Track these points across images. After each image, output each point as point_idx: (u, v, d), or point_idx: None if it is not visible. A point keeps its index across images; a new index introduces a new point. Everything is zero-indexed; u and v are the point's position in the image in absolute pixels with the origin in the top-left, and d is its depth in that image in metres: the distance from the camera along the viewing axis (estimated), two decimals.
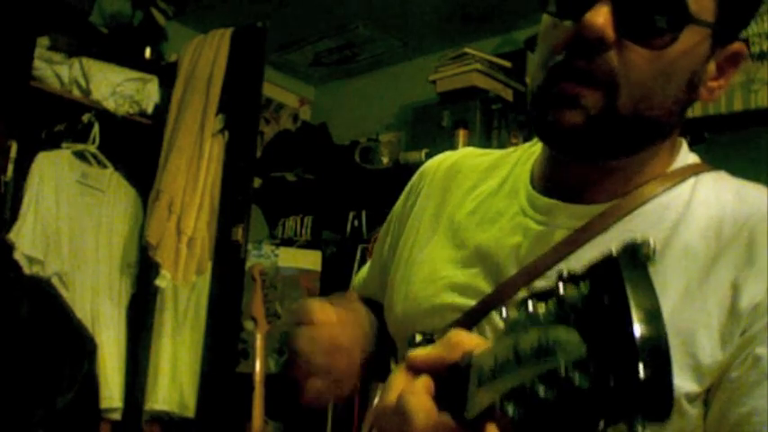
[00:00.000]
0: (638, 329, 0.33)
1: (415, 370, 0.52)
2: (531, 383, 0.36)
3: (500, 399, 0.38)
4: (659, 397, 0.32)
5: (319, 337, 0.75)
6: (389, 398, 0.52)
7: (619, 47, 0.63)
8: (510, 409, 0.37)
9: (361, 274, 1.06)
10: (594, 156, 0.69)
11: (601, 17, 0.62)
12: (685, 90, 0.68)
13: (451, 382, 0.48)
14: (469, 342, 0.49)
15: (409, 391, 0.50)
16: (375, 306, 0.94)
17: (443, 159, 0.94)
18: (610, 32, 0.62)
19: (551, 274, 0.69)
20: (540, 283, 0.70)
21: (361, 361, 0.79)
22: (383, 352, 0.89)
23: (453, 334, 0.52)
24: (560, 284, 0.37)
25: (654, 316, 0.33)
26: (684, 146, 0.76)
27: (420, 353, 0.53)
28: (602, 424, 0.34)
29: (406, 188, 0.97)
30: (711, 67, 0.70)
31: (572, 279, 0.37)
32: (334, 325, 0.76)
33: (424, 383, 0.50)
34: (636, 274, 0.35)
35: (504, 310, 0.41)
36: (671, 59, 0.65)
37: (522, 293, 0.70)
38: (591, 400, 0.33)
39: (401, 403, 0.49)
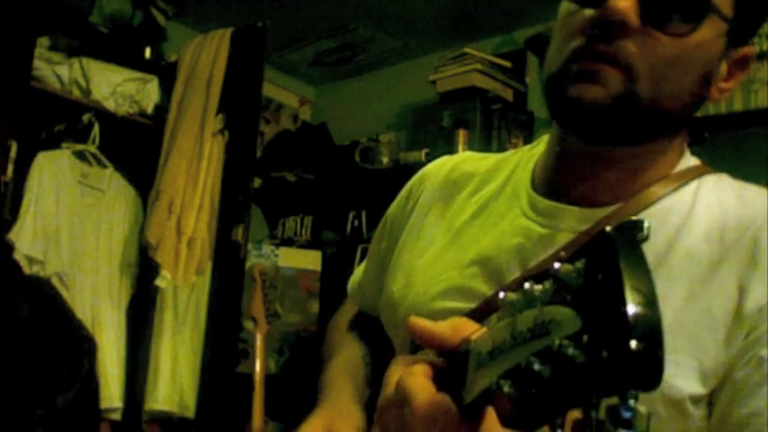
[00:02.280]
0: (630, 303, 0.33)
1: (417, 336, 0.52)
2: (526, 361, 0.36)
3: (497, 379, 0.38)
4: (650, 369, 0.32)
5: None
6: (388, 390, 0.51)
7: (640, 32, 0.64)
8: (506, 388, 0.37)
9: (356, 277, 1.06)
10: (609, 137, 0.69)
11: (625, 1, 0.63)
12: (699, 84, 0.68)
13: (450, 369, 0.48)
14: (470, 328, 0.49)
15: (408, 374, 0.49)
16: (370, 322, 0.94)
17: (444, 163, 0.93)
18: (634, 17, 0.63)
19: None
20: None
21: None
22: None
23: (457, 319, 0.51)
24: (557, 264, 0.38)
25: (646, 291, 0.34)
26: (687, 148, 0.76)
27: (425, 322, 0.51)
28: (595, 397, 0.34)
29: (404, 190, 0.96)
30: (723, 67, 0.71)
31: (568, 259, 0.37)
32: None
33: (422, 368, 0.50)
34: (630, 251, 0.35)
35: (502, 294, 0.41)
36: (689, 49, 0.65)
37: None
38: (585, 374, 0.33)
39: (400, 386, 0.49)
